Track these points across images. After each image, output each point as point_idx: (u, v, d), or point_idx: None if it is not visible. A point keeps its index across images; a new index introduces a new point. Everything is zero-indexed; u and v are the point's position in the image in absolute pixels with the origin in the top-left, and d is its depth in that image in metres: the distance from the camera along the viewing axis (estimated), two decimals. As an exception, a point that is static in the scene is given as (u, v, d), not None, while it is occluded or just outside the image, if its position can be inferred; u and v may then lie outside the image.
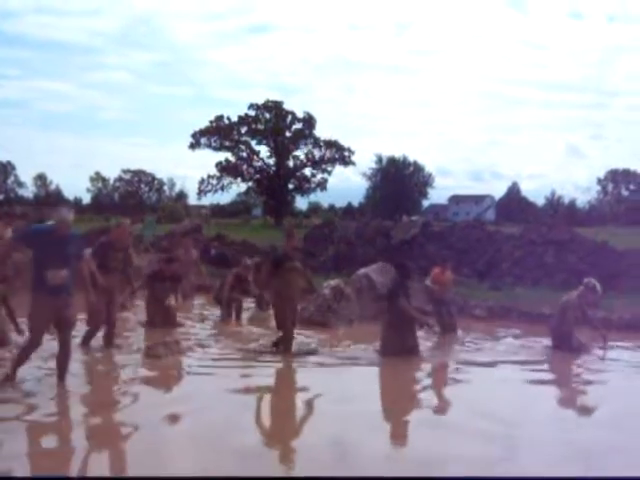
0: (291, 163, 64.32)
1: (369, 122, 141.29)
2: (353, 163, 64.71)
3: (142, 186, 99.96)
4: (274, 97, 65.62)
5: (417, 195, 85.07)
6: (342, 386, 7.05)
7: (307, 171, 64.78)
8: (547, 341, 9.36)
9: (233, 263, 15.45)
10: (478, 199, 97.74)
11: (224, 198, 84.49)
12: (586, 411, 6.67)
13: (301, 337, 9.30)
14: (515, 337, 10.15)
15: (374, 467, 4.67)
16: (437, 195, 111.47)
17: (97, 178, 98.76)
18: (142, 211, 56.43)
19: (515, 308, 11.99)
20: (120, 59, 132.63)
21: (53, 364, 6.64)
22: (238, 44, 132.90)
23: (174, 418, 5.64)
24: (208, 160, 64.85)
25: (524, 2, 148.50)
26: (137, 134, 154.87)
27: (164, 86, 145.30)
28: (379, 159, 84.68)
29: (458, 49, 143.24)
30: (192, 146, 61.91)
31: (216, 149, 62.41)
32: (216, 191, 63.66)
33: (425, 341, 9.13)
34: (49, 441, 5.20)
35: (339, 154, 63.27)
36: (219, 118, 62.01)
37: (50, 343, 6.91)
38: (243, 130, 62.77)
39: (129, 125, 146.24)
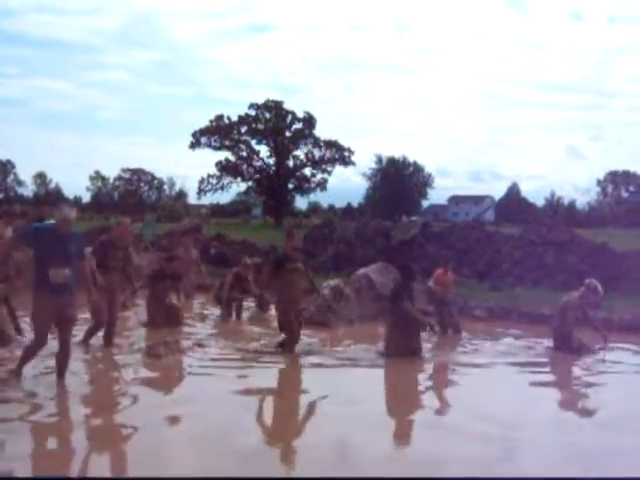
0: (291, 163, 64.40)
1: (369, 122, 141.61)
2: (353, 163, 64.84)
3: (142, 185, 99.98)
4: (274, 97, 65.71)
5: (417, 195, 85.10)
6: (343, 387, 7.03)
7: (307, 171, 64.92)
8: (548, 342, 9.36)
9: (233, 262, 15.45)
10: (478, 200, 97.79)
11: (224, 198, 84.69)
12: (586, 413, 6.65)
13: (301, 337, 9.27)
14: (515, 338, 10.15)
15: (374, 468, 4.67)
16: (437, 195, 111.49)
17: (97, 177, 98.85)
18: (142, 210, 56.48)
19: (515, 309, 11.99)
20: (120, 58, 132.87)
21: (53, 363, 6.62)
22: (238, 43, 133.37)
23: (174, 419, 5.63)
24: (208, 159, 65.41)
25: (524, 2, 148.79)
26: (137, 133, 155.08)
27: (164, 85, 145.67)
28: (379, 159, 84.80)
29: (458, 49, 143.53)
30: (192, 145, 61.99)
31: (216, 148, 62.49)
32: (216, 190, 63.79)
33: (426, 342, 9.12)
34: (50, 442, 5.19)
35: (339, 154, 63.35)
36: (219, 117, 62.08)
37: (50, 342, 6.89)
38: (243, 130, 62.84)
39: (129, 124, 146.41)
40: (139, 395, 6.34)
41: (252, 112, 62.64)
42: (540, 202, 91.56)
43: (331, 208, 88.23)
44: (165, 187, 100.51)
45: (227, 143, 62.45)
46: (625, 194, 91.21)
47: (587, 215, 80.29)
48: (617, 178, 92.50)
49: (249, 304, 11.87)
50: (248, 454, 4.84)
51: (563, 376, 8.32)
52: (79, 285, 6.48)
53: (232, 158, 63.14)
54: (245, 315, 11.44)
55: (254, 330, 10.20)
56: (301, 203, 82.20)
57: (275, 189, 62.24)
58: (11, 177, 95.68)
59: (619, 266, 14.53)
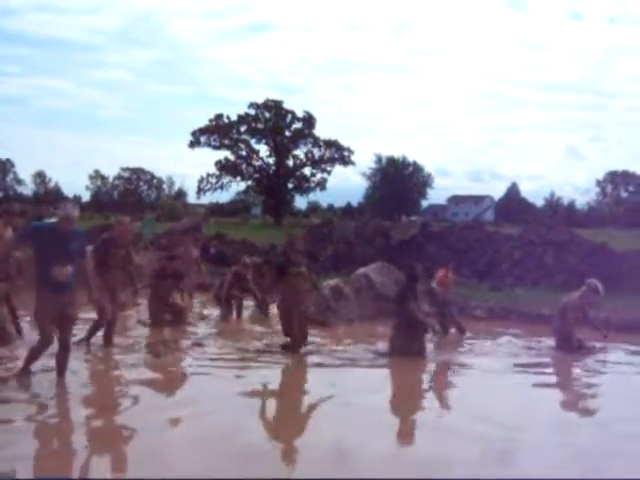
0: (291, 162, 64.41)
1: (369, 122, 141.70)
2: (353, 163, 64.86)
3: (141, 184, 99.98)
4: (274, 96, 65.41)
5: (416, 195, 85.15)
6: (343, 387, 7.02)
7: (306, 170, 64.93)
8: (548, 341, 9.37)
9: (232, 262, 15.44)
10: (477, 199, 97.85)
11: (223, 197, 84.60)
12: (586, 414, 6.65)
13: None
14: (515, 338, 10.14)
15: (375, 469, 4.67)
16: (436, 195, 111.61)
17: (96, 176, 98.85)
18: (141, 209, 56.46)
19: (515, 309, 12.00)
20: (120, 57, 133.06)
21: (53, 363, 6.59)
22: (238, 43, 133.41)
23: (174, 420, 5.62)
24: (207, 159, 65.60)
25: (524, 2, 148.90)
26: (136, 132, 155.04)
27: (164, 84, 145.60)
28: (379, 159, 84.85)
29: (458, 49, 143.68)
30: (192, 144, 62.00)
31: (216, 148, 62.49)
32: (215, 190, 63.80)
33: (428, 343, 9.11)
34: (51, 443, 5.18)
35: (339, 154, 63.36)
36: (219, 117, 62.07)
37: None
38: (243, 129, 62.85)
39: (128, 123, 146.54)
40: (139, 395, 6.32)
41: (252, 111, 62.69)
42: (540, 202, 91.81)
43: (330, 208, 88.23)
44: (164, 186, 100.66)
45: (227, 142, 62.46)
46: (624, 194, 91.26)
47: (586, 215, 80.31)
48: (616, 178, 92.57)
49: (249, 303, 11.87)
50: (249, 455, 4.83)
51: (563, 377, 8.33)
52: (80, 284, 6.47)
53: (232, 157, 63.17)
54: (245, 314, 11.44)
55: (255, 329, 10.19)
56: (301, 203, 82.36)
57: (275, 188, 62.24)
58: (10, 176, 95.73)
59: (619, 266, 14.53)
